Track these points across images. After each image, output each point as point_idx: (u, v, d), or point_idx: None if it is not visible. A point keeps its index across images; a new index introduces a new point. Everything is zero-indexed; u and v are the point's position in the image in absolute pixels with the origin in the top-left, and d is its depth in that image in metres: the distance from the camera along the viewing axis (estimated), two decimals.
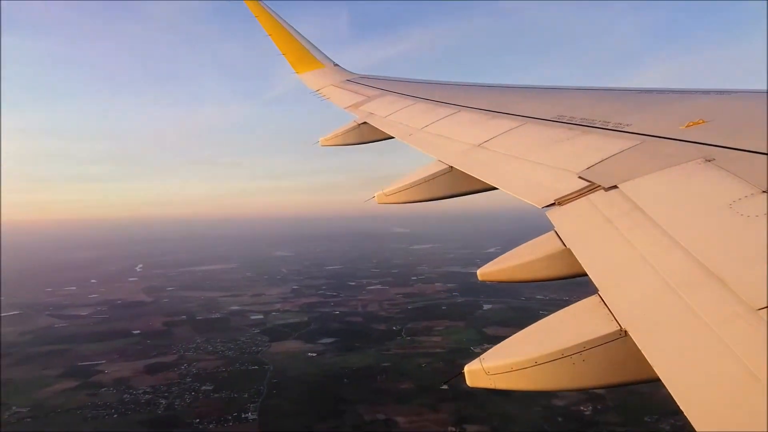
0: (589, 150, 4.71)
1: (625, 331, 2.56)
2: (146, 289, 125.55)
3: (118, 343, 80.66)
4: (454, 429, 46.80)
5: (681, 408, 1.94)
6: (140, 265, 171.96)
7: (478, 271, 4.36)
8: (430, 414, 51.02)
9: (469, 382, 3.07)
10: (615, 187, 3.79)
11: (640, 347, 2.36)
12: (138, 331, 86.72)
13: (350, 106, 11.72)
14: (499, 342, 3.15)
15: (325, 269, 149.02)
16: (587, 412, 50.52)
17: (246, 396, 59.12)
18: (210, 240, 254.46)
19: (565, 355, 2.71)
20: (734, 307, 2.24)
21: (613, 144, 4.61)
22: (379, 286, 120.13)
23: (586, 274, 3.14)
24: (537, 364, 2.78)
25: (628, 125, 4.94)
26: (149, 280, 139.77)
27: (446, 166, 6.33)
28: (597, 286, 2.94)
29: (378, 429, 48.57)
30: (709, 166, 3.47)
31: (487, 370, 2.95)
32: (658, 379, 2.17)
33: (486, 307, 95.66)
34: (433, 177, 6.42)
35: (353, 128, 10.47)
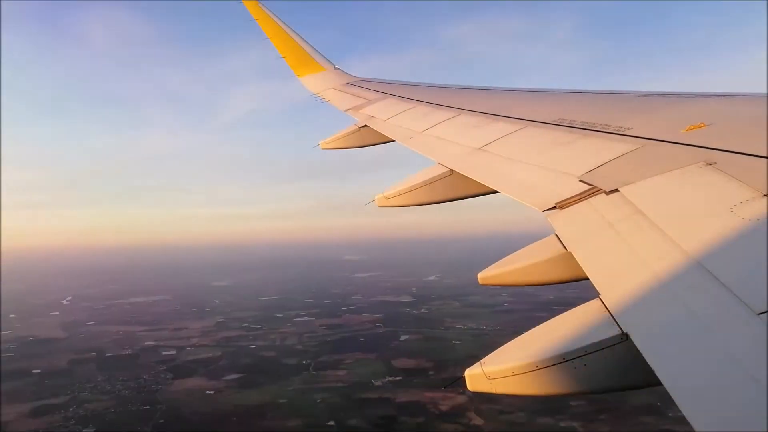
0: (589, 153, 4.74)
1: (627, 335, 2.56)
2: (65, 324, 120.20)
3: (14, 383, 77.23)
4: None
5: (683, 412, 1.95)
6: (69, 298, 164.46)
7: (479, 275, 4.36)
8: None
9: (470, 386, 3.09)
10: (616, 190, 3.82)
11: (641, 351, 2.36)
12: (38, 371, 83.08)
13: (350, 109, 11.73)
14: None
15: (258, 300, 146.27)
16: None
17: None
18: (149, 270, 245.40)
19: (566, 359, 2.73)
20: (736, 311, 2.25)
21: (614, 147, 4.63)
22: (306, 318, 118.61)
23: (587, 278, 3.17)
24: (538, 369, 2.80)
25: (629, 128, 4.94)
26: (72, 314, 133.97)
27: (447, 170, 6.34)
28: (598, 289, 2.96)
29: None
30: (710, 170, 3.49)
31: (488, 374, 2.98)
32: (660, 384, 2.18)
33: (403, 338, 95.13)
34: (434, 180, 6.44)
35: (354, 131, 10.47)
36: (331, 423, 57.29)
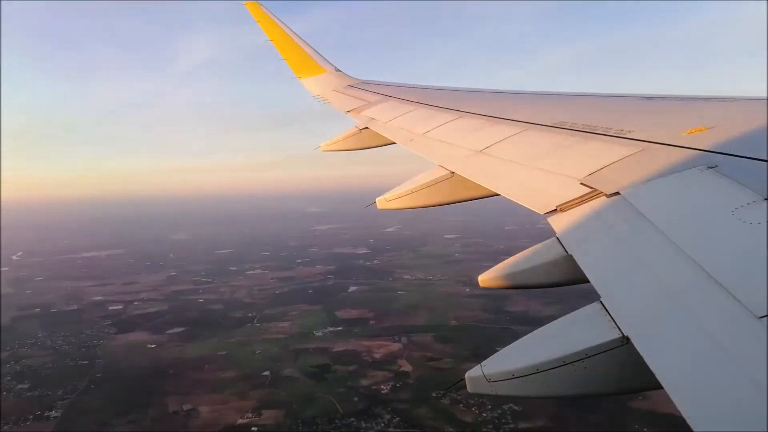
0: (591, 156, 4.75)
1: (627, 338, 2.55)
2: (12, 280, 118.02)
3: None
4: (250, 415, 48.73)
5: (684, 416, 1.95)
6: (19, 253, 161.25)
7: (479, 278, 4.36)
8: (236, 402, 52.61)
9: (470, 388, 3.07)
10: (617, 193, 3.81)
11: (642, 354, 2.35)
12: None
13: (352, 111, 11.70)
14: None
15: (214, 253, 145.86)
16: (385, 390, 53.71)
17: (60, 393, 57.43)
18: (106, 224, 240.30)
19: (566, 362, 2.72)
20: (737, 315, 2.25)
21: (615, 150, 4.64)
22: (259, 271, 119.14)
23: (588, 281, 3.17)
24: (538, 371, 2.80)
25: (630, 132, 4.95)
26: (21, 270, 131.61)
27: (448, 172, 6.33)
28: (599, 292, 2.96)
29: (177, 419, 49.69)
30: (711, 174, 3.49)
31: (488, 377, 2.97)
32: (661, 387, 2.18)
33: (351, 289, 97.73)
34: (435, 182, 6.43)
35: (354, 133, 10.46)
36: (266, 373, 58.99)
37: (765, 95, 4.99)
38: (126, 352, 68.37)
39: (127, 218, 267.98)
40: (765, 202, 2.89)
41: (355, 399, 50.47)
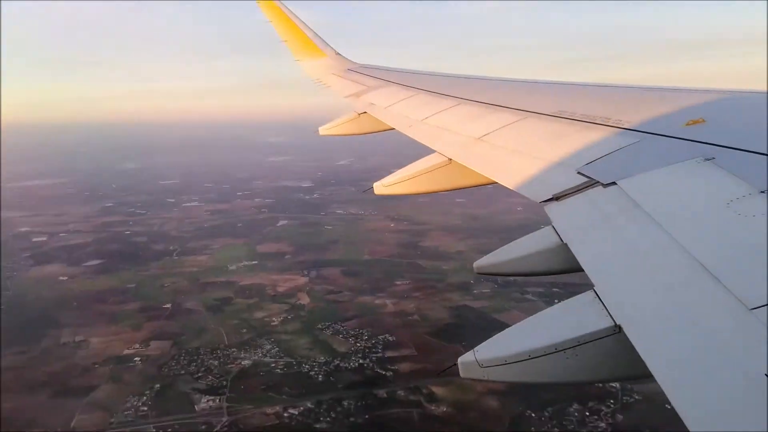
0: (588, 146, 4.77)
1: (620, 327, 2.59)
2: None
3: None
4: (138, 346, 50.57)
5: (674, 406, 1.97)
6: None
7: (474, 264, 4.38)
8: (129, 333, 54.23)
9: (463, 373, 3.10)
10: (614, 183, 3.86)
11: (633, 344, 2.38)
12: None
13: (350, 96, 11.68)
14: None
15: (157, 184, 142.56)
16: (275, 322, 54.89)
17: None
18: (57, 151, 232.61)
19: (558, 349, 2.76)
20: (729, 306, 2.27)
21: (612, 141, 4.68)
22: (195, 203, 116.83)
23: (582, 269, 3.20)
24: (531, 358, 2.83)
25: (628, 122, 5.00)
26: None
27: (446, 159, 6.37)
28: (593, 281, 2.99)
29: (65, 350, 51.31)
30: (708, 165, 3.53)
31: (481, 362, 3.00)
32: (651, 376, 2.20)
33: (280, 223, 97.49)
34: (433, 169, 6.47)
35: (353, 118, 10.49)
36: (167, 306, 60.58)
37: (763, 88, 5.01)
38: (35, 285, 68.51)
39: (77, 145, 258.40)
40: (761, 195, 2.93)
41: (244, 330, 52.44)
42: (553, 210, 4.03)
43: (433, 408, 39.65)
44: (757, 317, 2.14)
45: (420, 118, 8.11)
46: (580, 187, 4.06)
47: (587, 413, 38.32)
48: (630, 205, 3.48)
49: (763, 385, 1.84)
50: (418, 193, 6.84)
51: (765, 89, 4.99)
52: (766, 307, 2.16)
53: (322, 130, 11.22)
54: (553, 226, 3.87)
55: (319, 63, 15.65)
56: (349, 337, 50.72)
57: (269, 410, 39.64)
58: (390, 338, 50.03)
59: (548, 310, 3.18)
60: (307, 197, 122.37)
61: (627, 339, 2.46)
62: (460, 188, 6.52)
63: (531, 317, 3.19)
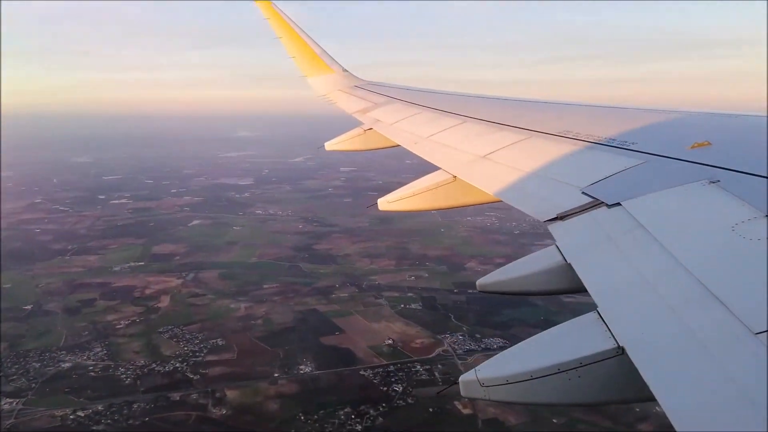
0: (593, 166, 4.78)
1: (623, 349, 2.57)
2: None
3: None
4: None
5: (676, 429, 1.95)
6: None
7: (477, 282, 4.37)
8: None
9: (464, 392, 3.09)
10: (618, 204, 3.86)
11: (636, 366, 2.36)
12: None
13: (357, 112, 11.89)
14: None
15: (99, 179, 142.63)
16: (120, 326, 54.35)
17: None
18: (16, 142, 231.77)
19: (561, 369, 2.74)
20: (734, 330, 2.25)
21: (617, 161, 4.67)
22: (124, 201, 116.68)
23: (585, 290, 3.18)
24: (533, 378, 2.81)
25: (633, 143, 4.99)
26: None
27: (450, 176, 6.39)
28: (596, 302, 2.98)
29: None
30: (713, 188, 3.53)
31: (482, 381, 2.99)
32: (654, 399, 2.18)
33: (192, 223, 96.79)
34: (437, 186, 6.49)
35: (359, 134, 10.64)
36: (28, 307, 61.06)
37: (764, 96, 5.31)
38: None
39: (38, 137, 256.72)
40: (765, 219, 2.92)
41: (85, 333, 53.25)
42: (557, 229, 4.02)
43: (214, 411, 40.88)
44: (762, 342, 2.11)
45: (425, 136, 8.19)
46: (585, 208, 4.06)
47: (353, 416, 39.60)
48: (634, 227, 3.47)
49: (766, 410, 1.81)
50: (422, 210, 6.82)
51: (765, 95, 5.16)
52: None
53: (329, 146, 11.39)
54: (557, 246, 3.85)
55: (326, 79, 15.96)
56: (181, 341, 51.78)
57: (58, 413, 40.55)
58: (219, 342, 51.04)
59: (551, 330, 3.14)
60: (237, 196, 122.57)
61: (630, 361, 2.43)
62: (465, 206, 6.55)
63: (533, 337, 3.18)
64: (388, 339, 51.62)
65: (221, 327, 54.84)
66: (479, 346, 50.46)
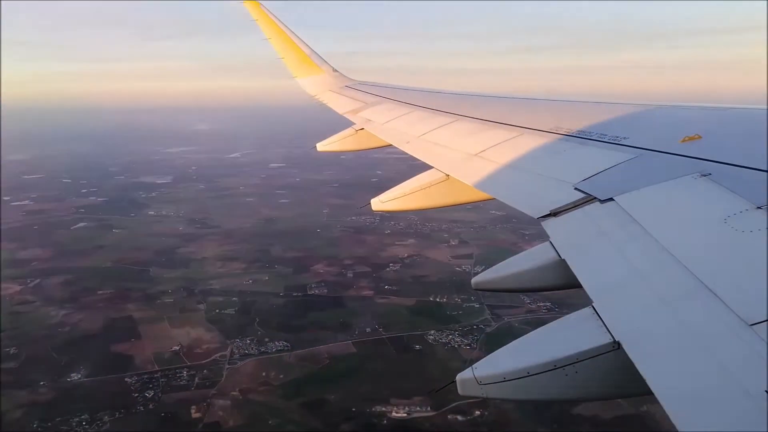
0: (585, 162, 4.81)
1: (618, 344, 2.58)
2: None
3: None
4: None
5: (674, 422, 1.95)
6: None
7: (472, 280, 4.39)
8: None
9: (461, 390, 3.10)
10: (611, 199, 3.89)
11: (633, 360, 2.38)
12: None
13: (348, 112, 11.84)
14: None
15: (18, 179, 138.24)
16: None
17: None
18: None
19: (558, 366, 2.75)
20: (728, 321, 2.27)
21: (609, 156, 4.71)
22: (26, 202, 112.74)
23: (580, 286, 3.19)
24: (530, 375, 2.83)
25: (624, 138, 5.04)
26: None
27: (443, 175, 6.42)
28: (591, 297, 2.99)
29: None
30: (704, 181, 3.57)
31: (479, 379, 3.00)
32: (651, 393, 2.19)
33: (77, 226, 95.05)
34: (430, 185, 6.53)
35: (351, 134, 10.59)
36: None
37: (760, 105, 5.07)
38: None
39: None
40: (757, 211, 2.95)
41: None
42: (550, 226, 4.04)
43: None
44: (756, 333, 2.13)
45: (417, 135, 8.20)
46: (578, 203, 4.10)
47: (84, 423, 40.75)
48: (627, 221, 3.50)
49: (763, 402, 1.84)
50: (415, 209, 6.86)
51: (761, 106, 5.01)
52: (765, 322, 2.16)
53: (320, 146, 11.36)
54: (551, 242, 3.87)
55: (316, 80, 15.95)
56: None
57: None
58: (12, 351, 51.70)
59: (546, 327, 3.15)
60: (143, 196, 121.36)
61: (626, 355, 2.45)
62: (458, 204, 6.58)
63: (529, 334, 3.19)
64: (177, 345, 53.08)
65: (25, 335, 55.43)
66: (258, 350, 52.17)
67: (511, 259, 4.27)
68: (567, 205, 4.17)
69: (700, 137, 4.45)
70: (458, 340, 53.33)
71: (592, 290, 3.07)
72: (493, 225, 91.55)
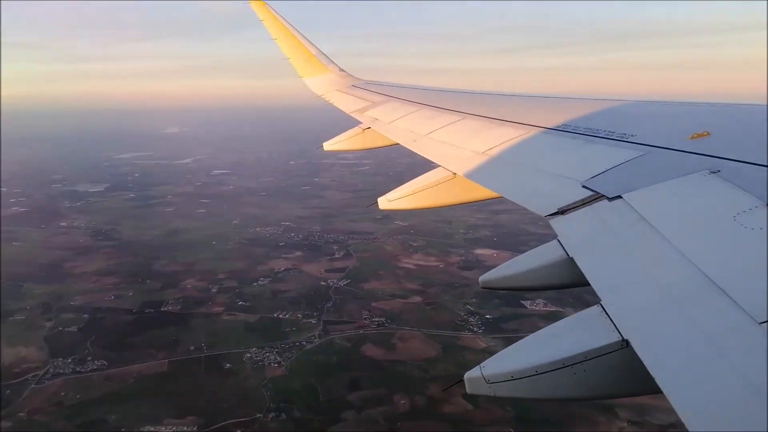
0: (593, 159, 4.81)
1: (627, 342, 2.60)
2: None
3: None
4: None
5: (683, 421, 1.96)
6: None
7: (480, 279, 4.40)
8: None
9: (469, 389, 3.10)
10: (619, 197, 3.89)
11: (641, 358, 2.38)
12: None
13: (355, 111, 11.91)
14: None
15: None
16: None
17: None
18: None
19: (566, 364, 2.77)
20: (738, 320, 2.28)
21: (617, 154, 4.70)
22: None
23: (588, 284, 3.19)
24: (537, 373, 2.84)
25: (632, 135, 5.03)
26: None
27: (450, 173, 6.44)
28: (599, 295, 2.98)
29: None
30: (713, 178, 3.57)
31: (487, 378, 3.01)
32: (660, 391, 2.20)
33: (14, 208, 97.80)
34: (437, 183, 6.54)
35: (358, 134, 10.74)
36: None
37: (764, 95, 4.95)
38: None
39: None
40: (767, 208, 2.93)
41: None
42: (558, 224, 4.05)
43: None
44: (766, 332, 2.13)
45: (424, 133, 8.24)
46: (586, 201, 4.10)
47: None
48: (636, 219, 3.51)
49: None
50: (423, 208, 6.90)
51: (765, 95, 4.91)
52: None
53: (327, 146, 11.48)
54: (558, 240, 3.87)
55: (323, 79, 16.14)
56: None
57: None
58: None
59: (555, 325, 3.15)
60: (67, 205, 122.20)
61: (635, 354, 2.45)
62: (465, 203, 6.59)
63: (538, 332, 3.18)
64: None
65: None
66: (73, 369, 52.65)
67: (519, 257, 4.31)
68: (575, 203, 4.18)
69: (708, 134, 4.43)
70: (272, 357, 54.06)
71: (601, 288, 3.07)
72: (387, 237, 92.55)
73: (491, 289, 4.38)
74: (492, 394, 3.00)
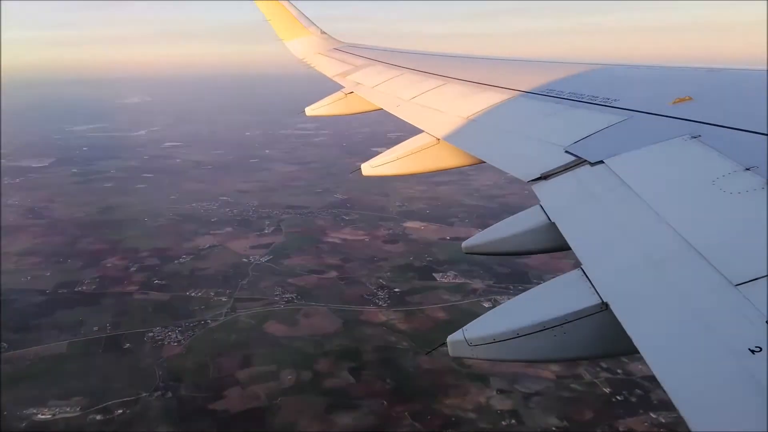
0: (576, 124, 4.81)
1: (607, 305, 2.62)
2: None
3: None
4: None
5: (659, 380, 2.00)
6: None
7: (463, 244, 4.37)
8: None
9: (452, 352, 3.13)
10: (601, 162, 3.89)
11: (620, 320, 2.41)
12: None
13: (337, 75, 11.73)
14: None
15: None
16: None
17: None
18: None
19: (546, 327, 2.79)
20: (714, 282, 2.31)
21: (600, 119, 4.71)
22: None
23: (569, 248, 3.22)
24: (519, 336, 2.86)
25: (616, 100, 5.03)
26: None
27: (434, 139, 6.36)
28: (580, 259, 3.01)
29: None
30: (694, 143, 3.58)
31: (470, 341, 3.03)
32: (638, 353, 2.23)
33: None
34: (421, 149, 6.46)
35: (340, 98, 10.42)
36: None
37: (750, 66, 5.06)
38: None
39: None
40: (746, 173, 2.97)
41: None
42: (541, 189, 4.06)
43: None
44: (742, 293, 2.17)
45: (407, 98, 8.12)
46: (568, 166, 4.10)
47: None
48: (617, 184, 3.52)
49: (747, 360, 1.87)
50: (407, 174, 6.84)
51: (752, 67, 5.01)
52: (751, 282, 2.19)
53: (309, 111, 11.14)
54: (540, 206, 3.88)
55: (303, 41, 15.74)
56: None
57: None
58: None
59: (536, 289, 3.19)
60: (7, 182, 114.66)
61: (614, 316, 2.49)
62: (449, 168, 6.53)
63: (519, 295, 3.23)
64: None
65: None
66: None
67: (501, 222, 4.29)
68: (557, 168, 4.17)
69: (691, 99, 4.45)
70: (173, 336, 54.26)
71: (581, 252, 3.10)
72: (321, 211, 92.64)
73: (474, 254, 4.38)
74: (474, 357, 3.05)
